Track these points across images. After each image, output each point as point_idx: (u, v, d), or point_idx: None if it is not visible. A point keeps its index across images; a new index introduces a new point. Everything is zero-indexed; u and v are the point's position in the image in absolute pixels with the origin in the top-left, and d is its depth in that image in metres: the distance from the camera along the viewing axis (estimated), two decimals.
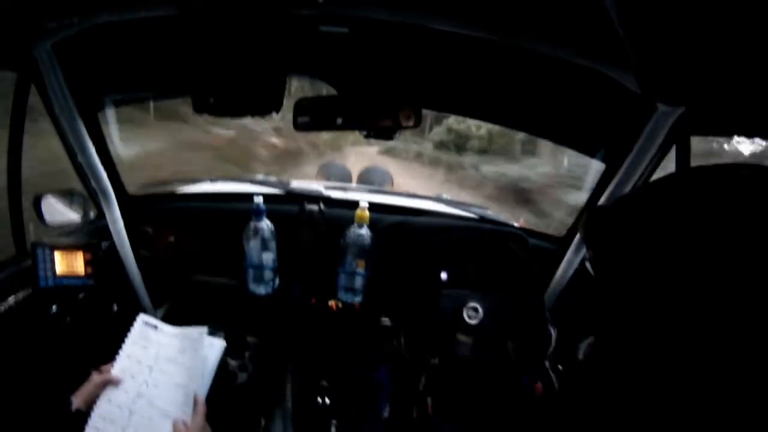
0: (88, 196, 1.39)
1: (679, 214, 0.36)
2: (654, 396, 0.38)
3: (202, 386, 0.95)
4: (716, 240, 0.33)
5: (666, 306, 0.35)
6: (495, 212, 1.71)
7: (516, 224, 1.59)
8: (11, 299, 1.13)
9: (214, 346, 1.02)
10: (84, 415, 0.86)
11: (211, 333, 1.03)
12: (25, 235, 1.23)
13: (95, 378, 0.90)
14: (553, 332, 0.94)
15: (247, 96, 0.99)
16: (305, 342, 1.60)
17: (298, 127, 1.20)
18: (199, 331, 1.00)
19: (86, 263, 1.26)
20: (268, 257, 1.32)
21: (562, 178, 7.15)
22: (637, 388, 0.39)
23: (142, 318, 1.02)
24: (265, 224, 1.28)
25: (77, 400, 0.87)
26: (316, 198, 1.47)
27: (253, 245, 1.29)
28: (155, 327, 1.01)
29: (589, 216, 0.47)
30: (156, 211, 1.50)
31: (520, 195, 7.89)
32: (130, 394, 0.91)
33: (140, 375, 0.94)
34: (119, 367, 0.93)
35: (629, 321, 0.39)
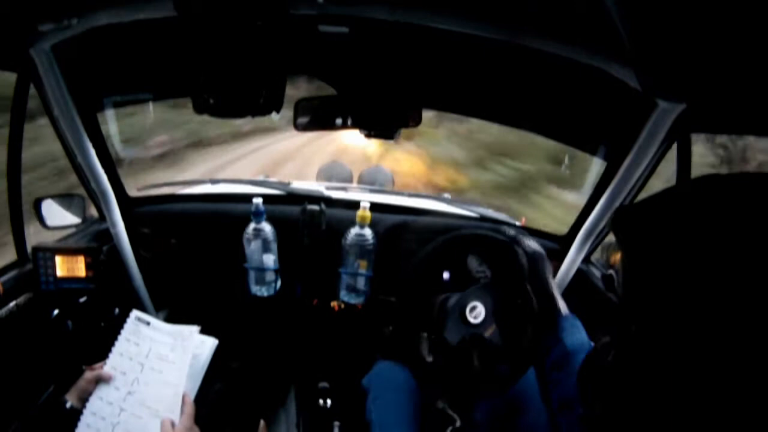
0: (88, 199, 1.39)
1: (723, 217, 0.35)
2: (680, 396, 0.37)
3: (191, 386, 0.94)
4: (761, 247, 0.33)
5: (704, 310, 0.35)
6: (496, 211, 1.71)
7: (518, 223, 1.59)
8: (12, 303, 1.13)
9: (206, 344, 1.02)
10: (78, 412, 0.86)
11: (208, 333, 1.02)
12: (25, 239, 1.23)
13: (87, 374, 0.90)
14: (563, 305, 0.94)
15: (247, 96, 0.99)
16: (307, 343, 1.59)
17: (297, 127, 1.20)
18: (190, 330, 1.00)
19: (87, 267, 1.26)
20: (270, 259, 1.32)
21: None
22: (664, 388, 0.39)
23: (134, 314, 1.01)
24: (266, 225, 1.28)
25: (72, 398, 0.88)
26: (318, 198, 1.47)
27: (254, 247, 1.29)
28: (148, 323, 1.01)
29: (619, 217, 0.46)
30: (157, 213, 1.50)
31: None
32: (121, 391, 0.91)
33: (131, 372, 0.93)
34: (111, 363, 0.93)
35: (662, 322, 0.39)
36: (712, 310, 0.34)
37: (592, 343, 0.87)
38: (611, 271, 1.31)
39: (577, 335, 0.86)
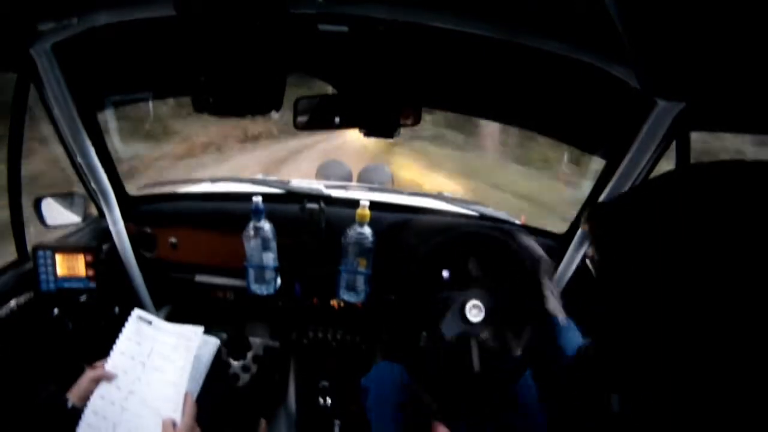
0: (88, 198, 1.39)
1: (686, 211, 0.36)
2: (654, 393, 0.37)
3: (193, 385, 0.95)
4: (724, 239, 0.33)
5: (671, 306, 0.35)
6: (495, 209, 1.72)
7: (517, 221, 1.59)
8: (13, 302, 1.13)
9: (208, 344, 1.02)
10: (80, 411, 0.86)
11: (208, 332, 1.03)
12: (25, 238, 1.23)
13: (89, 374, 0.90)
14: (559, 310, 0.93)
15: (246, 95, 0.99)
16: (307, 342, 1.60)
17: (297, 126, 1.20)
18: (194, 330, 1.00)
19: (87, 265, 1.26)
20: (269, 257, 1.32)
21: None
22: (637, 385, 0.39)
23: (136, 313, 1.01)
24: (265, 224, 1.28)
25: (73, 397, 0.88)
26: (317, 197, 1.47)
27: (253, 245, 1.29)
28: (149, 322, 1.01)
29: (592, 212, 0.47)
30: (156, 212, 1.50)
31: None
32: (123, 390, 0.91)
33: (133, 371, 0.94)
34: (112, 363, 0.93)
35: (632, 319, 0.39)
36: (680, 301, 0.35)
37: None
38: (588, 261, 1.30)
39: (575, 340, 0.86)
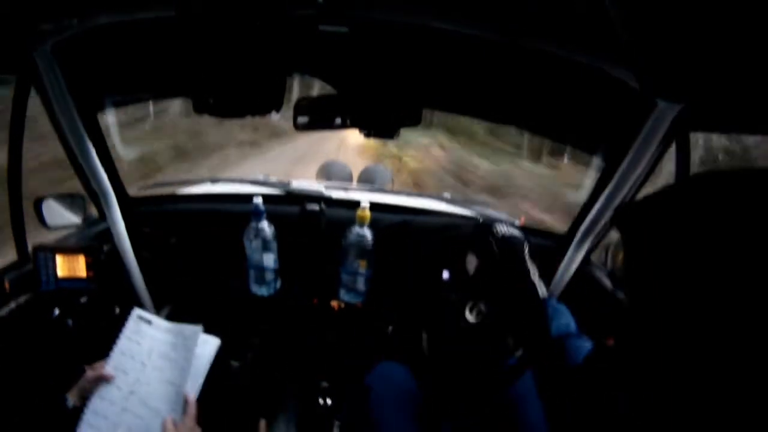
0: (88, 198, 1.39)
1: (720, 214, 0.36)
2: (677, 395, 0.37)
3: (193, 385, 0.94)
4: (760, 245, 0.33)
5: (702, 307, 0.35)
6: (495, 210, 1.71)
7: (517, 222, 1.59)
8: (13, 303, 1.13)
9: (208, 344, 1.02)
10: (80, 411, 0.86)
11: (208, 333, 1.03)
12: (26, 239, 1.23)
13: (89, 374, 0.90)
14: (542, 290, 0.93)
15: (247, 96, 0.99)
16: (307, 342, 1.60)
17: (297, 126, 1.20)
18: (193, 329, 1.00)
19: (88, 266, 1.26)
20: (269, 258, 1.32)
21: None
22: (652, 384, 0.39)
23: (136, 312, 1.01)
24: (265, 225, 1.28)
25: (73, 397, 0.88)
26: (317, 198, 1.47)
27: (254, 246, 1.29)
28: (149, 322, 1.01)
29: (620, 211, 0.47)
30: (157, 213, 1.50)
31: None
32: (123, 390, 0.91)
33: (133, 371, 0.94)
34: (112, 362, 0.93)
35: (656, 317, 0.39)
36: (711, 304, 0.35)
37: (573, 325, 0.87)
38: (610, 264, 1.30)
39: (559, 320, 0.86)
